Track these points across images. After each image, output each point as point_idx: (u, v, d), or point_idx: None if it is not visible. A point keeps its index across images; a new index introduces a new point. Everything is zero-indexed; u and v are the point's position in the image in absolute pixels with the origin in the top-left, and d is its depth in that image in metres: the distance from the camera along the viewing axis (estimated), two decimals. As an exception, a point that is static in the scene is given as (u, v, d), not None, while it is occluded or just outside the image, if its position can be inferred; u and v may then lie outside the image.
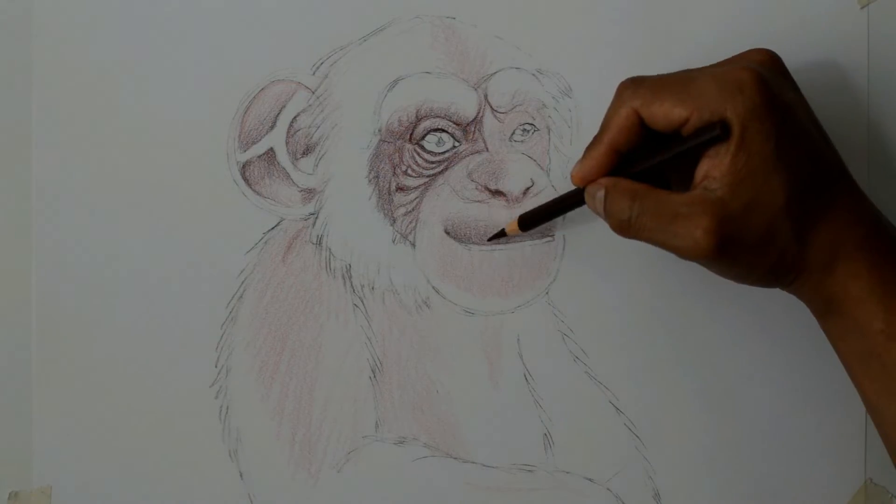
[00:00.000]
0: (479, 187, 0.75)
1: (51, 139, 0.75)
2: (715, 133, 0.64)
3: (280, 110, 0.75)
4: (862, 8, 0.77)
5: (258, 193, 0.75)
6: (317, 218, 0.75)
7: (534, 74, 0.76)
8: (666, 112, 0.65)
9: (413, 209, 0.75)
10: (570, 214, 0.75)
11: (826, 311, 0.67)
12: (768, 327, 0.76)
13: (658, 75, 0.68)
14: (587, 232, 0.76)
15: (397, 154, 0.75)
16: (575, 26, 0.76)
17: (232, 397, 0.75)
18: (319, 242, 0.75)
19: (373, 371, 0.75)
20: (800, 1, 0.77)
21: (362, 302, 0.75)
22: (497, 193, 0.75)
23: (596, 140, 0.69)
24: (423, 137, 0.75)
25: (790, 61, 0.75)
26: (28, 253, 0.74)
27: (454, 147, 0.75)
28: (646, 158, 0.68)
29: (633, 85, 0.67)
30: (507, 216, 0.75)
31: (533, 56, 0.76)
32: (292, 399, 0.75)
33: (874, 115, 0.78)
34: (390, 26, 0.76)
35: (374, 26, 0.75)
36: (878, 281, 0.65)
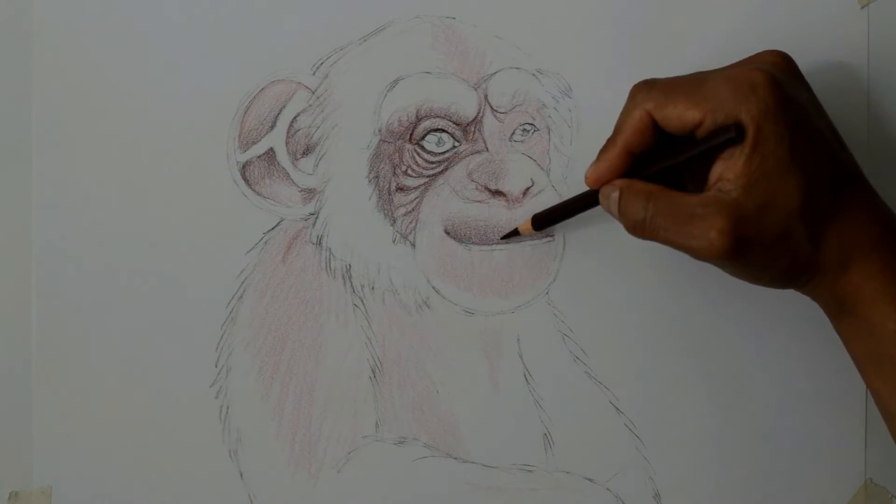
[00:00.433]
0: (479, 187, 0.75)
1: (51, 139, 0.75)
2: (729, 135, 0.64)
3: (280, 110, 0.75)
4: (862, 8, 0.77)
5: (258, 193, 0.75)
6: (317, 218, 0.75)
7: (534, 74, 0.76)
8: (679, 114, 0.65)
9: (413, 209, 0.75)
10: (570, 216, 0.75)
11: (839, 312, 0.67)
12: (768, 328, 0.76)
13: (671, 77, 0.68)
14: (587, 232, 0.76)
15: (397, 154, 0.75)
16: (575, 26, 0.76)
17: (232, 397, 0.75)
18: (319, 242, 0.75)
19: (373, 371, 0.75)
20: (800, 1, 0.77)
21: (362, 302, 0.75)
22: (497, 193, 0.75)
23: (610, 142, 0.69)
24: (423, 137, 0.75)
25: (790, 61, 0.75)
26: (28, 253, 0.74)
27: (454, 147, 0.75)
28: (659, 160, 0.68)
29: (646, 87, 0.67)
30: (507, 216, 0.75)
31: (533, 56, 0.76)
32: (292, 399, 0.75)
33: (874, 115, 0.78)
34: (390, 26, 0.75)
35: (374, 26, 0.75)
36: (891, 281, 0.65)
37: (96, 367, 0.74)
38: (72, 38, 0.75)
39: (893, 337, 0.65)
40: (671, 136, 0.67)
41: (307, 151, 0.75)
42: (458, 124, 0.75)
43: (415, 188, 0.75)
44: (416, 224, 0.75)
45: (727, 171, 0.64)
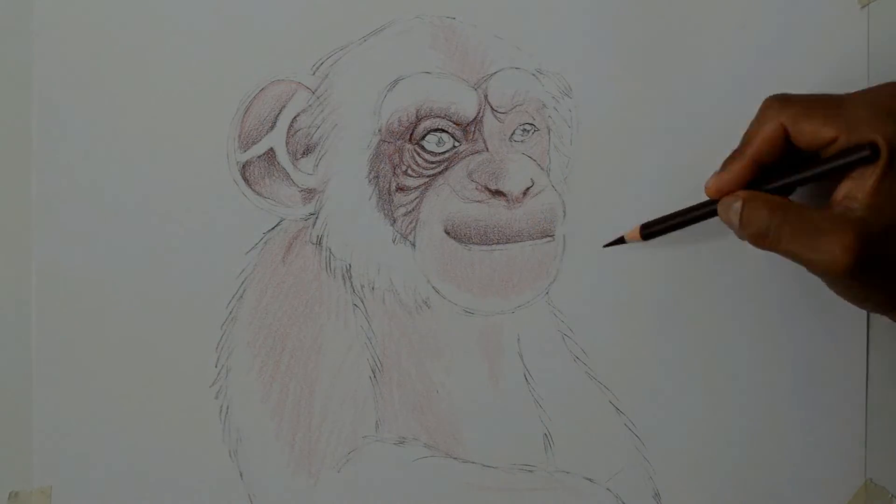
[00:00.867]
0: (479, 187, 0.75)
1: (51, 139, 0.75)
2: (864, 154, 0.65)
3: (280, 110, 0.75)
4: (862, 8, 0.77)
5: (258, 193, 0.75)
6: (317, 218, 0.75)
7: (534, 74, 0.76)
8: (815, 130, 0.67)
9: (413, 209, 0.75)
10: (570, 214, 0.75)
11: None
12: (769, 328, 0.76)
13: (806, 95, 0.69)
14: (587, 232, 0.76)
15: (397, 154, 0.75)
16: (575, 26, 0.76)
17: (232, 397, 0.75)
18: (319, 242, 0.75)
19: (373, 371, 0.75)
20: (800, 1, 0.77)
21: (362, 302, 0.75)
22: (497, 193, 0.75)
23: (737, 154, 0.70)
24: (423, 137, 0.75)
25: (790, 61, 0.76)
26: (28, 253, 0.74)
27: (454, 147, 0.75)
28: (789, 174, 0.69)
29: (780, 102, 0.68)
30: (507, 216, 0.75)
31: (533, 56, 0.76)
32: (292, 399, 0.75)
33: (874, 115, 0.78)
34: (390, 26, 0.75)
35: (374, 26, 0.75)
36: None
37: (96, 367, 0.74)
38: (72, 38, 0.75)
39: None
40: (793, 152, 0.68)
41: (307, 151, 0.75)
42: (458, 124, 0.75)
43: (415, 188, 0.75)
44: (416, 224, 0.75)
45: (856, 190, 0.65)
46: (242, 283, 0.75)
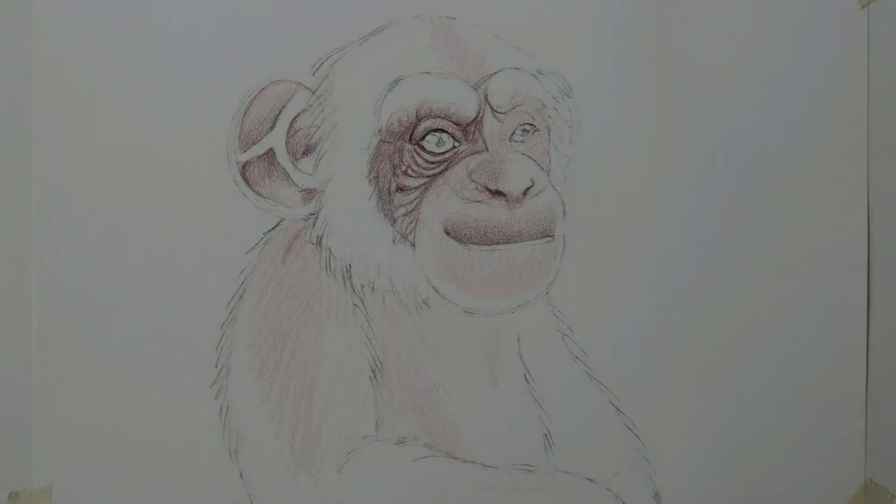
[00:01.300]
0: (479, 187, 0.75)
1: (51, 139, 0.75)
2: None
3: (280, 110, 0.75)
4: (862, 8, 0.77)
5: (258, 194, 0.75)
6: (317, 218, 0.75)
7: (534, 74, 0.76)
8: None
9: (413, 209, 0.75)
10: (570, 214, 0.75)
11: None
12: (768, 328, 0.76)
13: None
14: (587, 232, 0.76)
15: (397, 154, 0.75)
16: (575, 26, 0.76)
17: (232, 397, 0.75)
18: (319, 243, 0.75)
19: (373, 371, 0.75)
20: (800, 1, 0.77)
21: (362, 302, 0.75)
22: (497, 193, 0.75)
23: None
24: (423, 137, 0.75)
25: (790, 61, 0.76)
26: (28, 253, 0.74)
27: (454, 147, 0.75)
28: None
29: None
30: (507, 216, 0.75)
31: (533, 56, 0.76)
32: (292, 399, 0.75)
33: (874, 115, 0.78)
34: (390, 26, 0.76)
35: (374, 26, 0.76)
36: None
37: (96, 368, 0.74)
38: (72, 38, 0.75)
39: None
40: None
41: (307, 151, 0.75)
42: (458, 124, 0.75)
43: (415, 188, 0.75)
44: (416, 224, 0.75)
45: None
46: (242, 283, 0.75)
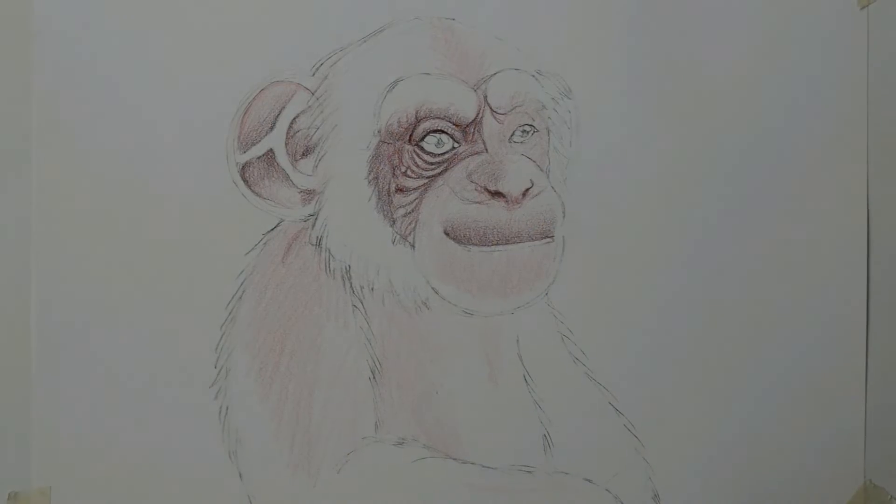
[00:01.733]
0: (479, 188, 0.75)
1: (51, 139, 0.75)
2: None
3: (280, 111, 0.75)
4: (862, 8, 0.77)
5: (258, 194, 0.75)
6: (316, 219, 0.75)
7: (533, 76, 0.76)
8: None
9: (412, 210, 0.75)
10: (570, 215, 0.75)
11: None
12: (768, 328, 0.76)
13: None
14: (587, 233, 0.76)
15: (397, 155, 0.75)
16: (575, 27, 0.76)
17: (232, 398, 0.75)
18: (319, 243, 0.75)
19: (372, 372, 0.75)
20: (800, 1, 0.77)
21: (362, 303, 0.75)
22: (496, 194, 0.75)
23: None
24: (422, 138, 0.75)
25: (790, 61, 0.76)
26: (27, 254, 0.74)
27: (454, 148, 0.75)
28: None
29: None
30: (506, 217, 0.75)
31: (533, 57, 0.76)
32: (292, 400, 0.75)
33: (874, 115, 0.78)
34: (390, 27, 0.75)
35: (373, 27, 0.75)
36: None
37: (96, 368, 0.75)
38: (72, 39, 0.75)
39: None
40: None
41: (307, 152, 0.75)
42: (457, 125, 0.75)
43: (414, 189, 0.75)
44: (415, 225, 0.75)
45: None
46: (242, 284, 0.75)
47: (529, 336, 0.76)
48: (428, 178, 0.75)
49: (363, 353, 0.75)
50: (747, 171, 0.77)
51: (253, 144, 0.75)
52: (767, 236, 0.78)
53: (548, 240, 0.76)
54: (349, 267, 0.75)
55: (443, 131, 0.75)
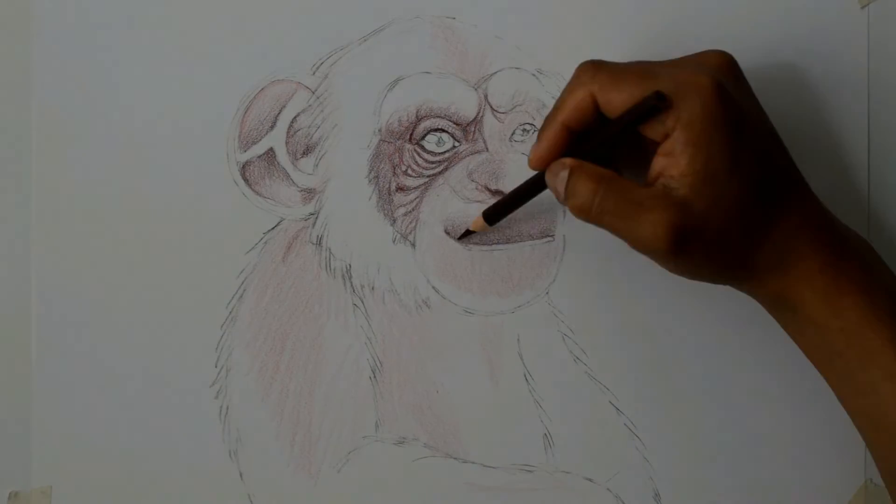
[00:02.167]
0: (479, 187, 0.75)
1: (51, 139, 0.75)
2: (651, 103, 0.64)
3: (280, 110, 0.75)
4: (862, 8, 0.77)
5: (258, 194, 0.75)
6: (317, 218, 0.75)
7: (534, 74, 0.76)
8: (623, 101, 0.66)
9: (413, 209, 0.75)
10: (570, 215, 0.75)
11: (781, 309, 0.69)
12: (768, 327, 0.75)
13: (619, 63, 0.68)
14: (587, 232, 0.75)
15: (397, 154, 0.75)
16: (575, 26, 0.76)
17: (232, 397, 0.75)
18: (319, 242, 0.75)
19: (373, 371, 0.75)
20: (800, 1, 0.77)
21: (362, 302, 0.75)
22: (497, 193, 0.75)
23: (549, 120, 0.69)
24: (423, 137, 0.75)
25: (790, 61, 0.76)
26: (27, 253, 0.74)
27: (454, 147, 0.75)
28: (593, 137, 0.68)
29: (593, 69, 0.68)
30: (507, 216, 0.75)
31: (533, 56, 0.76)
32: (292, 399, 0.75)
33: (874, 115, 0.78)
34: (390, 26, 0.75)
35: (374, 26, 0.75)
36: (830, 282, 0.66)
37: (96, 367, 0.74)
38: (72, 38, 0.75)
39: (839, 334, 0.66)
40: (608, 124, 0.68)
41: (307, 151, 0.75)
42: (458, 124, 0.75)
43: (415, 188, 0.75)
44: (415, 224, 0.75)
45: (670, 168, 0.65)
46: (242, 283, 0.75)
47: (530, 335, 0.76)
48: (428, 177, 0.75)
49: (363, 352, 0.75)
50: (747, 171, 0.77)
51: (253, 143, 0.75)
52: (767, 236, 0.78)
53: (548, 239, 0.76)
54: (350, 266, 0.75)
55: (443, 130, 0.75)
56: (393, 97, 0.75)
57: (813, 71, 0.77)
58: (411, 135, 0.75)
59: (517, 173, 0.75)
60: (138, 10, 0.75)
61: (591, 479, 0.76)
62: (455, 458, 0.76)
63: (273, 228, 0.75)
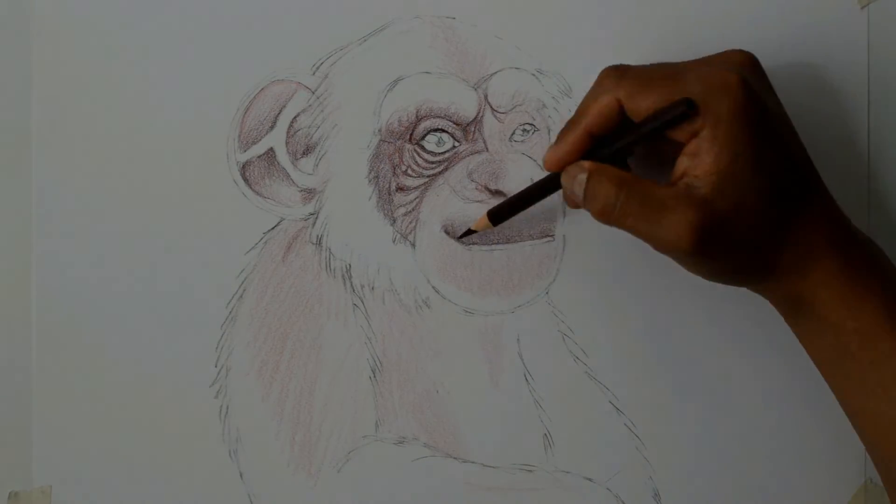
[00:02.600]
0: (479, 187, 0.75)
1: (51, 139, 0.75)
2: (680, 110, 0.64)
3: (280, 110, 0.75)
4: (862, 8, 0.77)
5: (258, 193, 0.75)
6: (317, 218, 0.75)
7: (534, 74, 0.76)
8: (650, 106, 0.66)
9: (413, 209, 0.75)
10: (570, 214, 0.75)
11: (796, 311, 0.68)
12: (768, 327, 0.75)
13: (643, 67, 0.68)
14: (587, 232, 0.76)
15: (397, 154, 0.75)
16: (575, 26, 0.76)
17: (232, 397, 0.75)
18: (319, 242, 0.75)
19: (373, 371, 0.75)
20: (800, 1, 0.77)
21: (362, 302, 0.75)
22: (497, 193, 0.75)
23: (572, 124, 0.69)
24: (423, 137, 0.75)
25: (790, 61, 0.76)
26: (28, 253, 0.74)
27: (454, 147, 0.75)
28: (616, 140, 0.68)
29: (617, 74, 0.68)
30: (507, 216, 0.75)
31: (533, 56, 0.76)
32: (292, 399, 0.75)
33: (874, 116, 0.78)
34: (390, 26, 0.75)
35: (374, 26, 0.75)
36: (847, 283, 0.66)
37: (96, 367, 0.75)
38: (72, 38, 0.75)
39: (854, 335, 0.66)
40: (632, 124, 0.68)
41: (307, 151, 0.75)
42: (458, 124, 0.75)
43: (415, 188, 0.75)
44: (415, 224, 0.75)
45: (694, 168, 0.65)
46: (242, 283, 0.75)
47: (530, 335, 0.76)
48: (428, 177, 0.75)
49: (363, 352, 0.75)
50: (747, 171, 0.77)
51: (253, 143, 0.75)
52: (767, 236, 0.78)
53: (548, 238, 0.76)
54: (350, 266, 0.75)
55: (443, 130, 0.75)
56: (393, 97, 0.75)
57: (813, 71, 0.77)
58: (411, 135, 0.75)
59: (517, 173, 0.75)
60: (138, 10, 0.75)
61: (590, 479, 0.76)
62: (455, 458, 0.76)
63: (273, 228, 0.75)
